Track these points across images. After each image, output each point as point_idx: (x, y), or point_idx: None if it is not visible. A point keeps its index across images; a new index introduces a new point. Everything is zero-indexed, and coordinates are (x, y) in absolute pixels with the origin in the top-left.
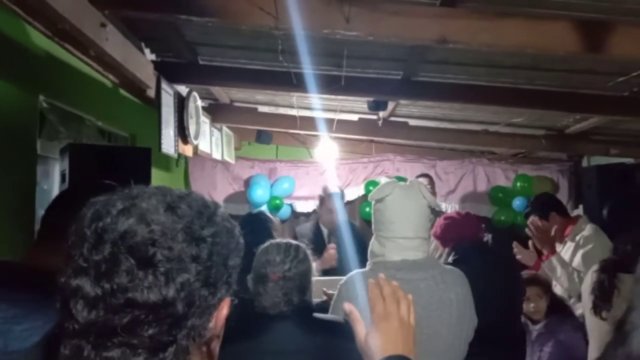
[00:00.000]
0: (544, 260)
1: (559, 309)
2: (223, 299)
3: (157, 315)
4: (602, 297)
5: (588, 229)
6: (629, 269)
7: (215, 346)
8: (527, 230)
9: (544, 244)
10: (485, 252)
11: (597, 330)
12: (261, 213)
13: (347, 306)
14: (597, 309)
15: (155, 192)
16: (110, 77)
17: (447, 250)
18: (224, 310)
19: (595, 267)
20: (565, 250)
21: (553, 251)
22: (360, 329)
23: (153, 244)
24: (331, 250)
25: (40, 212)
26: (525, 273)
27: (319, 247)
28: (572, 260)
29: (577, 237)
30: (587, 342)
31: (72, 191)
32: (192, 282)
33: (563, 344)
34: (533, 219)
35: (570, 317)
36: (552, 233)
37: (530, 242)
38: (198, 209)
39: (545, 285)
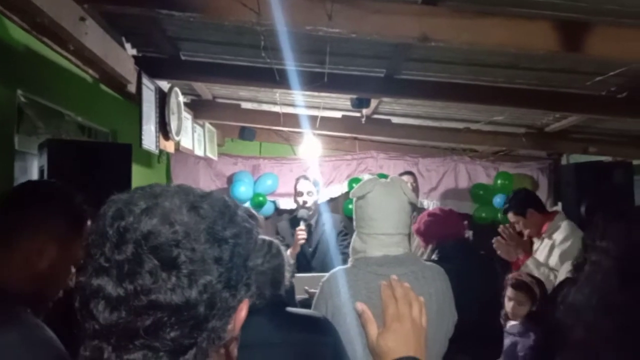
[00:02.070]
0: (520, 265)
1: (536, 319)
2: (242, 301)
3: (180, 318)
4: None
5: (564, 227)
6: None
7: (234, 348)
8: (498, 238)
9: (517, 248)
10: (467, 250)
11: None
12: (246, 210)
13: (360, 306)
14: None
15: (177, 191)
16: (90, 71)
17: (430, 247)
18: (242, 312)
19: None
20: (542, 247)
21: (527, 255)
22: (372, 329)
23: (177, 244)
24: (299, 231)
25: None
26: (514, 276)
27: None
28: (549, 257)
29: (554, 235)
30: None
31: (11, 195)
32: (214, 284)
33: (515, 351)
34: (503, 227)
35: (539, 334)
36: (525, 237)
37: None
38: (220, 209)
39: (530, 294)
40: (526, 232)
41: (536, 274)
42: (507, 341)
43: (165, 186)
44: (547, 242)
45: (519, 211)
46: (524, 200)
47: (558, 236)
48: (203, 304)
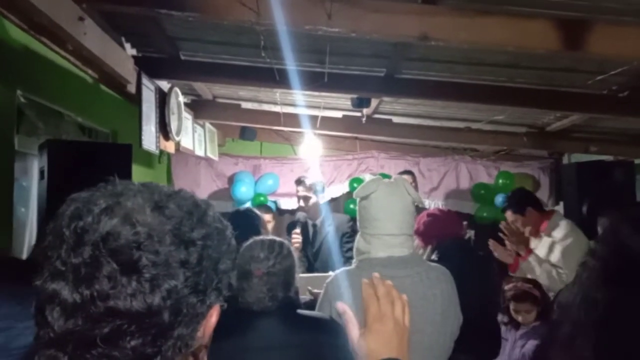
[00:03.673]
0: (522, 261)
1: (544, 319)
2: (212, 307)
3: (141, 325)
4: None
5: (563, 225)
6: None
7: (203, 356)
8: (500, 234)
9: (519, 245)
10: (465, 250)
11: None
12: (248, 210)
13: (341, 306)
14: None
15: (141, 190)
16: (90, 72)
17: (429, 248)
18: (212, 318)
19: None
20: (541, 245)
21: (529, 251)
22: (354, 329)
23: (138, 247)
24: (294, 234)
25: (18, 208)
26: (511, 288)
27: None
28: (549, 255)
29: (553, 233)
30: None
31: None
32: (180, 289)
33: (523, 351)
34: (505, 223)
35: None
36: (526, 234)
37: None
38: (188, 209)
39: (533, 300)
40: (525, 230)
41: (538, 270)
42: (517, 344)
43: (128, 184)
44: (546, 240)
45: (518, 210)
46: (522, 199)
47: (558, 234)
48: (167, 311)
